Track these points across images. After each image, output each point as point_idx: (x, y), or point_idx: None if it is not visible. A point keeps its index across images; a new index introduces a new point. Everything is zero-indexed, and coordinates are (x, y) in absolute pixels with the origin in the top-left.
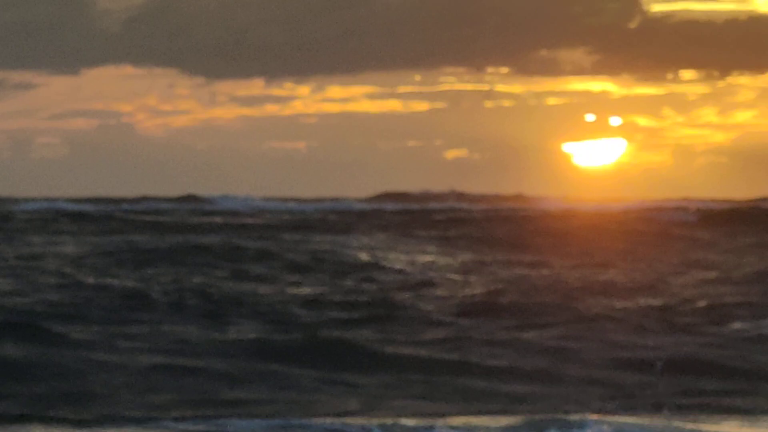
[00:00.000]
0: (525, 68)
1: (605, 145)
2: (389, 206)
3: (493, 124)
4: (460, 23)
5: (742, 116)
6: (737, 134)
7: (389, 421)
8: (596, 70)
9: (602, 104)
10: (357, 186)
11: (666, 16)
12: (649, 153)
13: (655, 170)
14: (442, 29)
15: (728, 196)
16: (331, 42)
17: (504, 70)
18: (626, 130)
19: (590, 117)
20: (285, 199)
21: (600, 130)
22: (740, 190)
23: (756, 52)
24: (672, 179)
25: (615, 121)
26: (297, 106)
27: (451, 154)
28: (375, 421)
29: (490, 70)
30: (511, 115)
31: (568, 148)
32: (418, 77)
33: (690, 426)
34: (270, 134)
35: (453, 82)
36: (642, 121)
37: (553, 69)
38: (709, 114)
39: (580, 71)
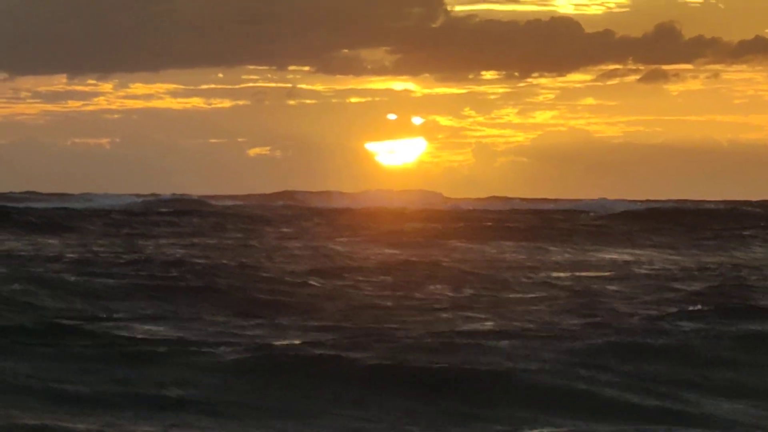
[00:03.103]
0: (327, 67)
1: (407, 143)
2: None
3: (295, 122)
4: (263, 21)
5: (542, 116)
6: (537, 134)
7: None
8: (398, 69)
9: (404, 103)
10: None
11: (468, 16)
12: (450, 152)
13: (455, 169)
14: (244, 27)
15: (528, 195)
16: (133, 38)
17: (306, 68)
18: (427, 129)
19: (392, 116)
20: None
21: (402, 128)
22: (539, 189)
23: (556, 54)
24: (472, 177)
25: (416, 120)
26: (100, 102)
27: (254, 151)
28: None
29: (292, 68)
30: (314, 113)
31: (371, 145)
32: (220, 74)
33: None
34: (73, 130)
35: (256, 79)
36: (443, 120)
37: (355, 68)
38: (509, 114)
39: (381, 70)
